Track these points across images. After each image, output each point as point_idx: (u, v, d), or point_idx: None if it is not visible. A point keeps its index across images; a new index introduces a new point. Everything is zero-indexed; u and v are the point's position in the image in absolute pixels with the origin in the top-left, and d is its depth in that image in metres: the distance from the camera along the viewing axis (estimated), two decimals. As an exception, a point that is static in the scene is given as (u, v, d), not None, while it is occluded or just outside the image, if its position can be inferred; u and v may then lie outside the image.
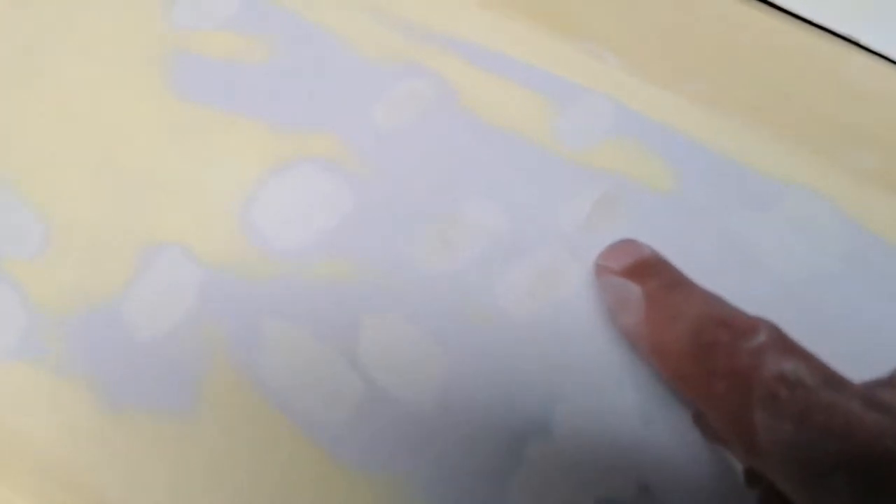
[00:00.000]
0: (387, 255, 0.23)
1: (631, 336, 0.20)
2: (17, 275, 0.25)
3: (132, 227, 0.25)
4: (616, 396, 0.22)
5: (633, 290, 0.19)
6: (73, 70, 0.25)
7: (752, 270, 0.22)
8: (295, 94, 0.24)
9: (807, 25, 0.23)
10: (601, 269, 0.21)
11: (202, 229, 0.24)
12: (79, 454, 0.26)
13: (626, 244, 0.21)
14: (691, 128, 0.22)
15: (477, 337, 0.22)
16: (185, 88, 0.24)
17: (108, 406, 0.25)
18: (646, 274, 0.20)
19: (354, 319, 0.23)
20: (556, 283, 0.22)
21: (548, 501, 0.22)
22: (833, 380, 0.16)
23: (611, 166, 0.23)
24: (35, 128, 0.25)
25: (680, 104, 0.22)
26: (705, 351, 0.17)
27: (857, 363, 0.18)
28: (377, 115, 0.23)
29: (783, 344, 0.17)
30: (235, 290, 0.24)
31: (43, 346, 0.24)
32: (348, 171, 0.24)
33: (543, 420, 0.22)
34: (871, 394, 0.16)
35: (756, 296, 0.20)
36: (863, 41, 0.23)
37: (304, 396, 0.24)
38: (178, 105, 0.24)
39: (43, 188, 0.25)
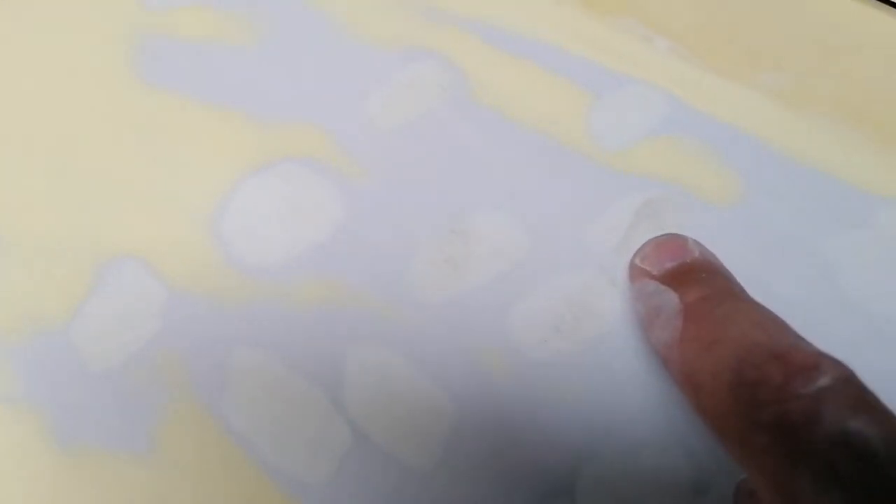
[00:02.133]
0: (381, 278, 0.19)
1: (662, 358, 0.15)
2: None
3: (87, 237, 0.21)
4: (661, 459, 0.17)
5: (671, 299, 0.15)
6: (23, 55, 0.21)
7: (836, 303, 0.17)
8: (279, 81, 0.20)
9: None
10: (637, 272, 0.17)
11: (167, 241, 0.21)
12: (26, 495, 0.22)
13: (672, 241, 0.17)
14: (761, 128, 0.18)
15: (488, 382, 0.18)
16: (152, 75, 0.21)
17: (57, 443, 0.22)
18: (689, 281, 0.16)
19: (341, 354, 0.19)
20: (588, 316, 0.18)
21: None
22: None
23: (657, 171, 0.18)
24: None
25: (749, 99, 0.18)
26: (748, 390, 0.13)
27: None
28: (374, 107, 0.19)
29: (855, 393, 0.13)
30: (203, 313, 0.20)
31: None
32: (339, 173, 0.20)
33: (567, 485, 0.18)
34: None
35: (840, 335, 0.16)
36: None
37: (278, 444, 0.20)
38: (144, 95, 0.21)
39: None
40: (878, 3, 0.19)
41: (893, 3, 0.19)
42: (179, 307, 0.21)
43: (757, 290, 0.16)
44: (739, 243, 0.17)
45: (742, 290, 0.16)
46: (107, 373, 0.21)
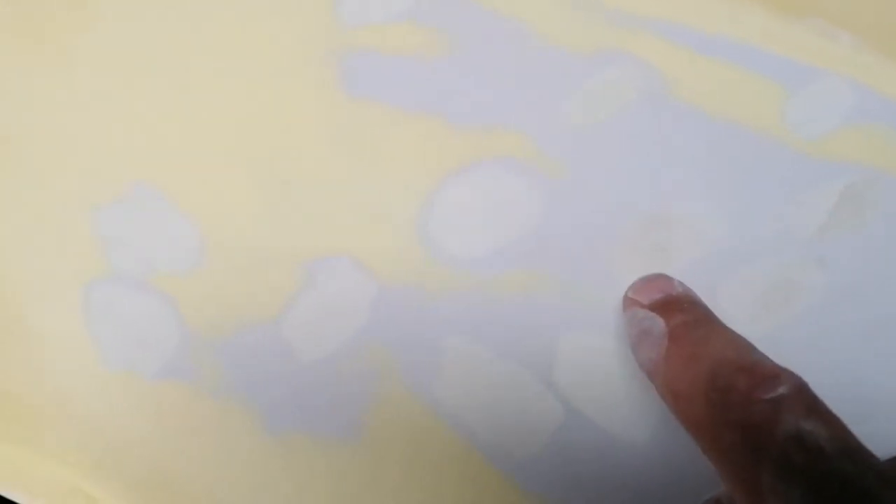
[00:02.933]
0: (585, 266, 0.21)
1: (649, 373, 0.18)
2: (171, 290, 0.23)
3: (296, 238, 0.23)
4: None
5: (658, 324, 0.18)
6: (234, 72, 0.23)
7: None
8: (479, 88, 0.21)
9: None
10: (629, 302, 0.20)
11: (375, 239, 0.22)
12: (235, 481, 0.24)
13: (658, 279, 0.20)
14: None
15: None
16: (355, 86, 0.22)
17: (268, 432, 0.23)
18: (674, 309, 0.19)
19: (551, 337, 0.21)
20: (796, 292, 0.19)
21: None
22: (853, 450, 0.15)
23: (853, 157, 0.20)
24: (195, 133, 0.23)
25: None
26: (720, 396, 0.16)
27: None
28: (571, 107, 0.21)
29: (806, 400, 0.16)
30: (411, 304, 0.22)
31: (197, 367, 0.23)
32: (538, 170, 0.21)
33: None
34: (893, 471, 0.15)
35: None
36: None
37: (490, 423, 0.21)
38: (348, 103, 0.22)
39: (200, 198, 0.23)
40: None
41: None
42: (388, 300, 0.22)
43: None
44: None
45: (716, 318, 0.19)
46: (316, 363, 0.23)
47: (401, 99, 0.22)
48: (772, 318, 0.19)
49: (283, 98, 0.23)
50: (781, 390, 0.16)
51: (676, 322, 0.18)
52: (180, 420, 0.24)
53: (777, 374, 0.16)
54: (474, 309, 0.21)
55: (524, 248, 0.21)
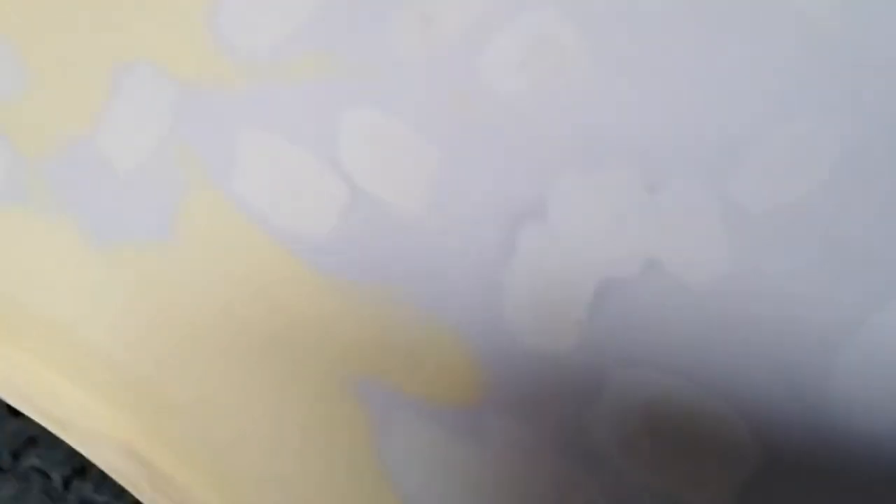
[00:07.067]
0: (364, 42, 0.21)
1: None
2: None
3: (102, 48, 0.23)
4: (617, 166, 0.19)
5: None
6: None
7: None
8: None
9: None
10: None
11: (168, 40, 0.23)
12: (69, 297, 0.25)
13: None
14: None
15: (464, 122, 0.20)
16: None
17: (93, 246, 0.24)
18: None
19: (333, 119, 0.22)
20: (551, 52, 0.20)
21: (545, 289, 0.20)
22: None
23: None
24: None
25: None
26: None
27: None
28: None
29: None
30: (209, 103, 0.23)
31: (27, 188, 0.24)
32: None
33: (537, 201, 0.20)
34: None
35: None
36: None
37: (285, 208, 0.22)
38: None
39: (13, 19, 0.24)
40: None
41: None
42: (188, 100, 0.23)
43: None
44: None
45: None
46: (131, 172, 0.24)
47: None
48: (528, 74, 0.20)
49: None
50: None
51: None
52: (14, 244, 0.25)
53: None
54: (266, 100, 0.22)
55: (305, 33, 0.22)
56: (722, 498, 0.19)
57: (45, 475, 0.31)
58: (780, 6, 0.18)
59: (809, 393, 0.18)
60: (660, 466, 0.19)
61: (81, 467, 0.31)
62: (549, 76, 0.20)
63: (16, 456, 0.31)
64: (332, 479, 0.23)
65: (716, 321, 0.18)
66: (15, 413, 0.30)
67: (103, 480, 0.30)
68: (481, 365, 0.21)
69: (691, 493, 0.19)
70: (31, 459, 0.31)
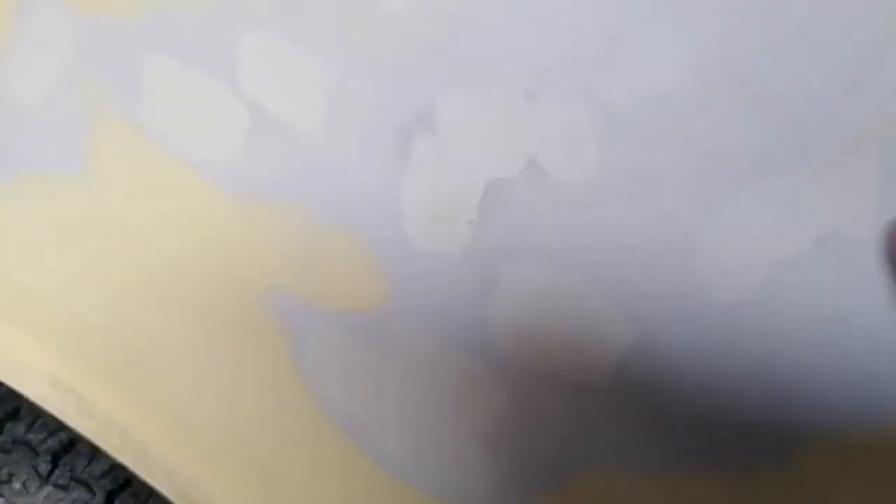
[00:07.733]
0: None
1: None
2: None
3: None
4: (498, 78, 0.21)
5: None
6: None
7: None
8: None
9: None
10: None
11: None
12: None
13: None
14: None
15: (356, 41, 0.21)
16: None
17: (3, 175, 0.25)
18: None
19: (233, 43, 0.22)
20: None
21: (438, 194, 0.21)
22: None
23: None
24: None
25: None
26: None
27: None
28: None
29: None
30: (110, 31, 0.23)
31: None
32: None
33: (427, 113, 0.21)
34: None
35: None
36: None
37: (191, 133, 0.23)
38: None
39: None
40: None
41: None
42: (89, 31, 0.23)
43: None
44: None
45: None
46: (34, 103, 0.24)
47: None
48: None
49: None
50: None
51: None
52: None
53: None
54: (164, 24, 0.23)
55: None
56: (600, 376, 0.21)
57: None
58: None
59: (675, 272, 0.20)
60: (548, 353, 0.21)
61: (14, 410, 0.31)
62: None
63: (-54, 401, 0.31)
64: (257, 391, 0.24)
65: (591, 214, 0.20)
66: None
67: (34, 421, 0.31)
68: (383, 271, 0.22)
69: (578, 373, 0.21)
70: (-39, 404, 0.31)
